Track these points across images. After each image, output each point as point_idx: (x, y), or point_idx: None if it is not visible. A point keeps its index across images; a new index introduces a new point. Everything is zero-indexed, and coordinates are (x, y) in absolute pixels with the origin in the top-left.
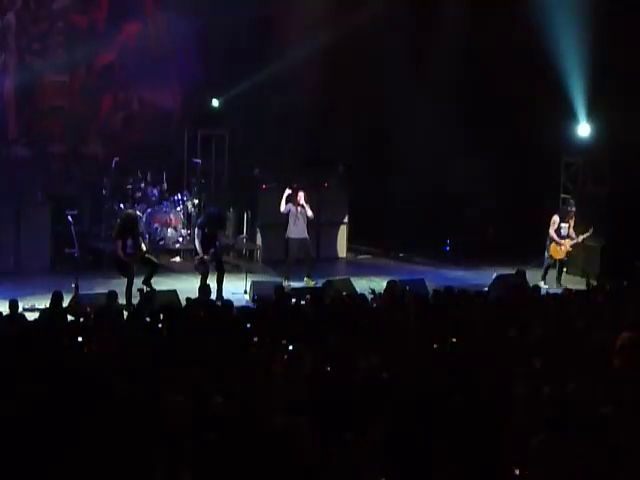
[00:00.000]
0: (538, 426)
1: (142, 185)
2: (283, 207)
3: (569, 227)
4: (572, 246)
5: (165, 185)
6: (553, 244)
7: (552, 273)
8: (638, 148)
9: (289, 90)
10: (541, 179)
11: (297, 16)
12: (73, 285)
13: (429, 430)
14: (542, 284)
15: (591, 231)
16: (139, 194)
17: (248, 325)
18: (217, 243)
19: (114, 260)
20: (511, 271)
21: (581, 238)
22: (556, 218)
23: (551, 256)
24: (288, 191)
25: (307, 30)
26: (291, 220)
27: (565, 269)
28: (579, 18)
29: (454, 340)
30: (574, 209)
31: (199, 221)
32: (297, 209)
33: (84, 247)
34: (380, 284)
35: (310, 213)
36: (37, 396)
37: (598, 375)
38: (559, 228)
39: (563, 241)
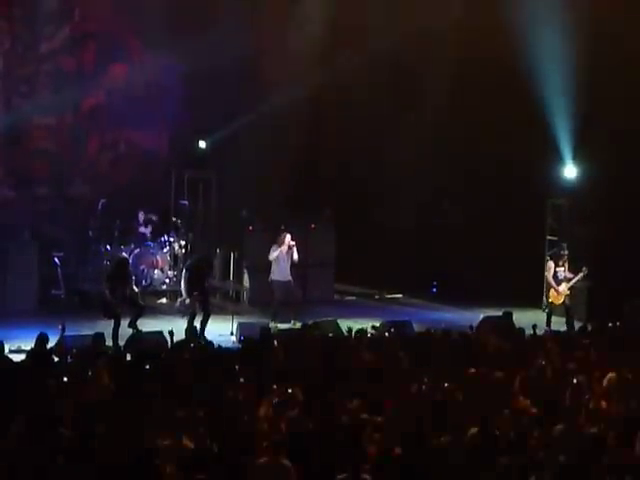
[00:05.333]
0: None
1: (128, 227)
2: (272, 255)
3: (565, 270)
4: (570, 288)
5: (150, 228)
6: (552, 290)
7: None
8: (624, 189)
9: (276, 132)
10: (527, 221)
11: (284, 59)
12: (60, 327)
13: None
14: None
15: (585, 270)
16: (125, 236)
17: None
18: (205, 285)
19: (101, 302)
20: (498, 313)
21: (576, 279)
22: (551, 264)
23: (551, 303)
24: (289, 238)
25: (294, 73)
26: (274, 262)
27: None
28: (566, 61)
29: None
30: (567, 252)
31: (188, 263)
32: (283, 251)
33: (70, 288)
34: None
35: (296, 256)
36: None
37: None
38: (555, 273)
39: (560, 287)
